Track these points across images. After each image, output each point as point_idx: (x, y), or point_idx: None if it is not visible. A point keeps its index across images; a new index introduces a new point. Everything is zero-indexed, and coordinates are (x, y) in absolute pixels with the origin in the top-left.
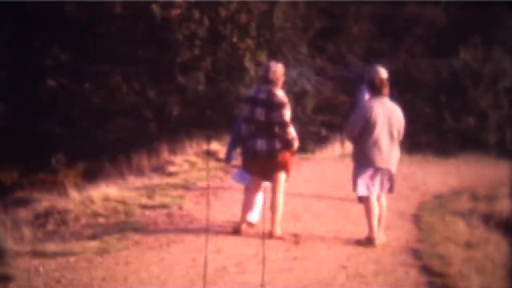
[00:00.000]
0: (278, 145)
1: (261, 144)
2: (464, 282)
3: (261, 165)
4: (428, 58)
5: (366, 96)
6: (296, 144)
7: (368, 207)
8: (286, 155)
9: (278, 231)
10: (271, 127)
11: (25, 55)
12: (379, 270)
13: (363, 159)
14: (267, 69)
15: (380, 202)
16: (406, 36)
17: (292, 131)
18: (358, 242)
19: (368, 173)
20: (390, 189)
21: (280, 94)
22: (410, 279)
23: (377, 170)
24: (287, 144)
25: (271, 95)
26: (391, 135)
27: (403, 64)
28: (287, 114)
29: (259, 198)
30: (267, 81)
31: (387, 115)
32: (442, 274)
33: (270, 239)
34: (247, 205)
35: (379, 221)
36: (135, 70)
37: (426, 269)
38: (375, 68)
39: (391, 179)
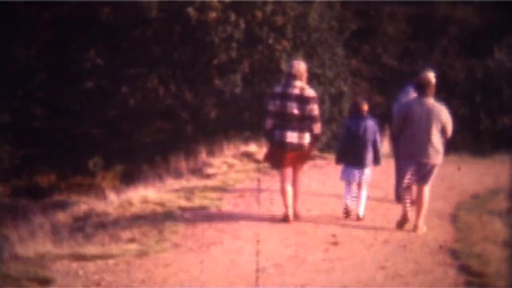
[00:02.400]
0: (308, 138)
1: (291, 137)
2: (502, 282)
3: (289, 156)
4: (462, 58)
5: (410, 96)
6: (320, 136)
7: (405, 194)
8: (310, 148)
9: (298, 213)
10: (302, 121)
11: (63, 58)
12: (417, 270)
13: (404, 153)
14: (291, 66)
15: (422, 193)
16: (441, 37)
17: (319, 126)
18: (398, 225)
19: (410, 165)
20: (426, 179)
21: (309, 89)
22: (449, 278)
23: (416, 163)
24: (315, 138)
25: (303, 89)
26: (428, 132)
27: (438, 64)
28: (316, 108)
29: (364, 193)
30: (292, 76)
31: (425, 113)
32: (480, 273)
33: (294, 220)
34: (285, 195)
35: (420, 210)
36: (172, 72)
37: (464, 269)
38: (424, 71)
39: (430, 171)
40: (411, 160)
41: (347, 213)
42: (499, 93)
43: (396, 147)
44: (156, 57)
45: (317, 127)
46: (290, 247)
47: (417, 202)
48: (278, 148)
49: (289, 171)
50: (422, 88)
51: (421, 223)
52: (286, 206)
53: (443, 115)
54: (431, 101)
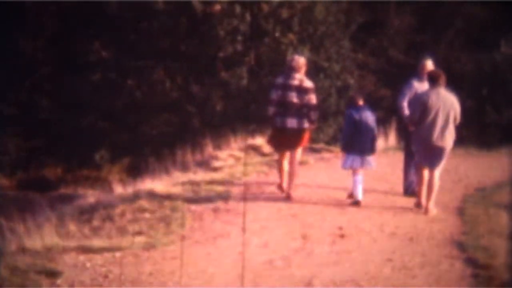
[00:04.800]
0: (305, 123)
1: (291, 122)
2: (508, 274)
3: (289, 139)
4: (469, 51)
5: (413, 89)
6: (315, 124)
7: (419, 177)
8: (308, 132)
9: (293, 193)
10: (301, 108)
11: (69, 51)
12: (424, 263)
13: (420, 139)
14: (292, 60)
15: (433, 177)
16: (447, 29)
17: (316, 113)
18: (411, 210)
19: (425, 149)
20: (438, 163)
21: (307, 80)
22: (455, 271)
23: (432, 147)
24: (312, 123)
25: (302, 81)
26: (444, 119)
27: (444, 57)
28: (314, 98)
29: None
30: (293, 69)
31: (441, 103)
32: (487, 266)
33: (288, 200)
34: (283, 170)
35: (430, 193)
36: (178, 65)
37: (471, 261)
38: (423, 59)
39: (443, 154)
40: (427, 145)
41: (357, 203)
42: (506, 86)
43: (408, 137)
44: (162, 49)
45: (314, 114)
46: (297, 240)
47: (428, 186)
48: (279, 132)
49: (284, 153)
50: (435, 79)
51: (432, 206)
52: (281, 178)
53: (455, 103)
54: (443, 91)
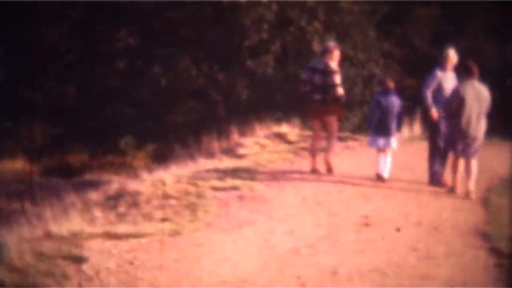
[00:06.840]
0: (329, 97)
1: (317, 96)
2: None
3: (318, 109)
4: (493, 41)
5: (437, 79)
6: (342, 98)
7: (456, 164)
8: (335, 105)
9: (331, 165)
10: (325, 88)
11: (95, 39)
12: (449, 252)
13: (459, 129)
14: (323, 47)
15: (470, 164)
16: (471, 20)
17: (340, 90)
18: (447, 192)
19: (463, 140)
20: (476, 152)
21: (333, 64)
22: (480, 260)
23: (469, 138)
24: (336, 98)
25: (326, 65)
26: (479, 110)
27: (469, 47)
28: (337, 78)
29: (388, 159)
30: (323, 54)
31: (477, 94)
32: (511, 255)
33: (330, 173)
34: (314, 150)
35: (470, 179)
36: (204, 53)
37: (495, 251)
38: (447, 49)
39: (478, 144)
40: (465, 135)
41: (379, 178)
42: None
43: (433, 127)
44: (188, 37)
45: (337, 91)
46: (322, 228)
47: (467, 173)
48: (311, 104)
49: (320, 132)
50: (471, 71)
51: (473, 189)
52: (313, 161)
53: (488, 95)
54: (478, 83)
